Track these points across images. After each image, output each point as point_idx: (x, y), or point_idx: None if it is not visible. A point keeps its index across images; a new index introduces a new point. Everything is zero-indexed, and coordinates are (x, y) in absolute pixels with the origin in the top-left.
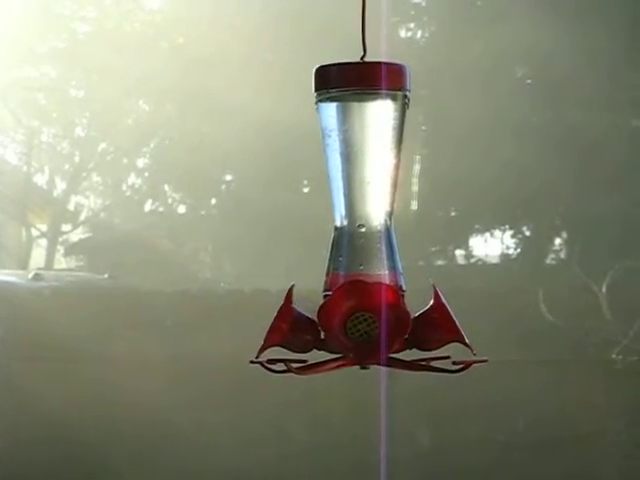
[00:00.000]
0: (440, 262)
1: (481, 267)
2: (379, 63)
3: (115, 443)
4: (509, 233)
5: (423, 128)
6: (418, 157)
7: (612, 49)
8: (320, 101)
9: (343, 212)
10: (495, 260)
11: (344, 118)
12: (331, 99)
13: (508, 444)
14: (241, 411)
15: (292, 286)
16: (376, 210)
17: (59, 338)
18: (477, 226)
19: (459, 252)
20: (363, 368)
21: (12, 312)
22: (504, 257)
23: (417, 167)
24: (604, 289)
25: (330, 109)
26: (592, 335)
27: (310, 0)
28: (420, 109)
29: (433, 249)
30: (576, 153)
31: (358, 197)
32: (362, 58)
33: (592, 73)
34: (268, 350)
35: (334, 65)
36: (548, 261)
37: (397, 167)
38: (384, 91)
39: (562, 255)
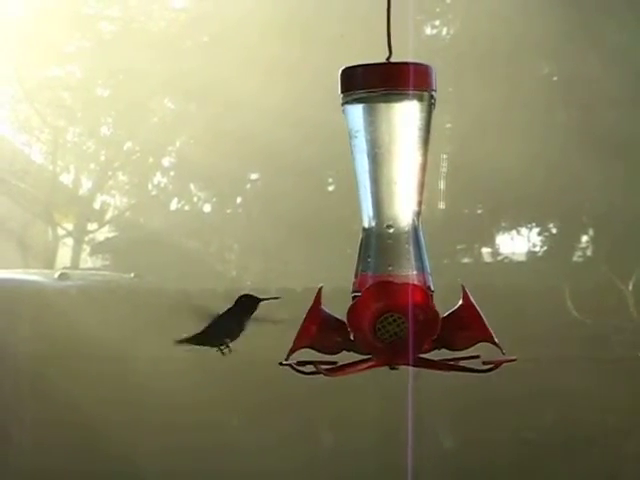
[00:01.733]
0: (466, 260)
1: (507, 265)
2: (405, 64)
3: (140, 442)
4: (535, 231)
5: (448, 126)
6: (445, 156)
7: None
8: (346, 102)
9: (371, 213)
10: (521, 258)
11: (370, 119)
12: (357, 100)
13: (536, 442)
14: (266, 411)
15: (320, 288)
16: (404, 210)
17: (85, 337)
18: (503, 224)
19: (485, 250)
20: (392, 368)
21: (38, 311)
22: (530, 255)
23: (444, 166)
24: (631, 287)
25: (356, 110)
26: (619, 333)
27: (339, 2)
28: (446, 107)
29: (459, 247)
30: (603, 150)
31: (386, 198)
32: (388, 59)
33: (620, 70)
34: (297, 352)
35: (360, 66)
36: (575, 259)
37: (424, 167)
38: (410, 92)
39: (589, 253)
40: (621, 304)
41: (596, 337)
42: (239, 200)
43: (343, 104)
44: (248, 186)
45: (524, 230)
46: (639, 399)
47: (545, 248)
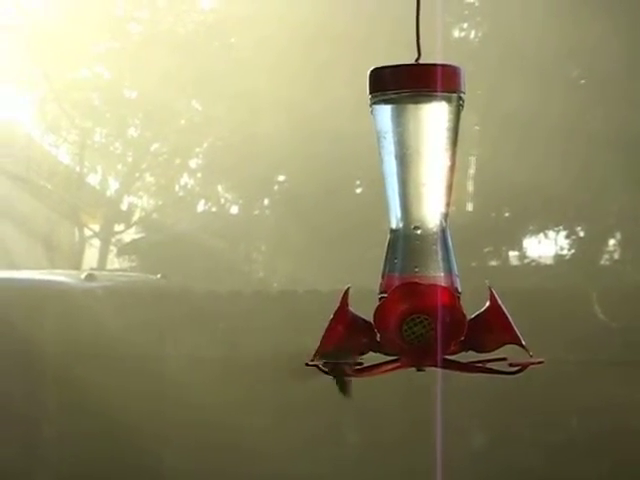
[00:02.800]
0: (493, 263)
1: (534, 268)
2: (434, 65)
3: (167, 442)
4: (563, 234)
5: (477, 128)
6: (473, 158)
7: None
8: (375, 103)
9: (399, 214)
10: (549, 261)
11: (399, 120)
12: (386, 101)
13: (562, 445)
14: (292, 412)
15: (348, 288)
16: (431, 212)
17: (112, 338)
18: (531, 227)
19: (512, 253)
20: (419, 370)
21: (65, 312)
22: (558, 258)
23: (472, 168)
24: None
25: (385, 111)
26: None
27: (364, 0)
28: (474, 109)
29: (486, 250)
30: (631, 153)
31: (413, 199)
32: (417, 60)
33: None
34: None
35: (389, 67)
36: (602, 262)
37: (452, 168)
38: (439, 93)
39: (616, 256)
40: None
41: (623, 341)
42: (266, 202)
43: (371, 105)
44: (275, 187)
45: (551, 233)
46: None
47: (572, 251)
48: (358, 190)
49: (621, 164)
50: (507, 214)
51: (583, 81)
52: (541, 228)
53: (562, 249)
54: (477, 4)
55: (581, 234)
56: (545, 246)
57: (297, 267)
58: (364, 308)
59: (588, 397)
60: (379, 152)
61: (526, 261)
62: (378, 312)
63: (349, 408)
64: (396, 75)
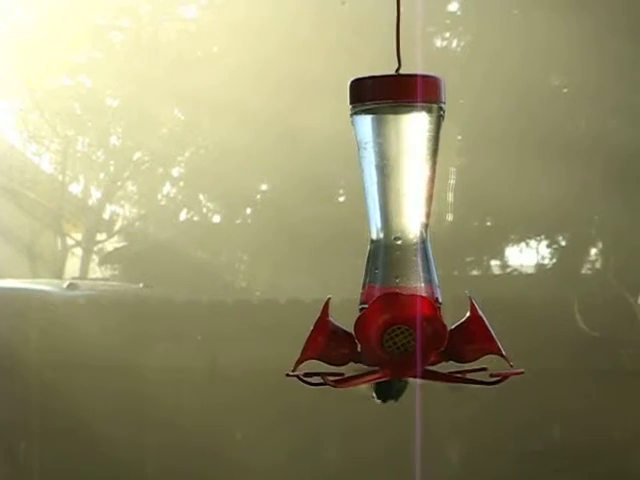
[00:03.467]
0: (475, 272)
1: (516, 277)
2: (414, 75)
3: (146, 453)
4: (544, 243)
5: (459, 138)
6: (453, 169)
7: None
8: (355, 114)
9: (379, 224)
10: (530, 270)
11: (379, 131)
12: (366, 112)
13: (545, 454)
14: (272, 424)
15: (328, 299)
16: (412, 222)
17: (94, 347)
18: (512, 236)
19: (494, 262)
20: (400, 381)
21: (47, 321)
22: (539, 267)
23: (453, 178)
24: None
25: (365, 122)
26: (627, 346)
27: (345, 10)
28: (456, 119)
29: (468, 259)
30: (612, 163)
31: (394, 209)
32: (397, 70)
33: (630, 82)
34: (304, 363)
35: (369, 78)
36: (584, 271)
37: (433, 179)
38: (419, 103)
39: (598, 265)
40: (630, 317)
41: (604, 350)
42: (249, 211)
43: (352, 115)
44: (258, 197)
45: (533, 242)
46: None
47: (554, 261)
48: (341, 199)
49: (602, 174)
50: (489, 223)
51: (565, 90)
52: (522, 237)
53: (543, 258)
54: (459, 13)
55: (562, 243)
56: (527, 255)
57: (279, 276)
58: (347, 318)
59: (569, 406)
60: (359, 162)
61: (508, 270)
62: (359, 323)
63: (330, 421)
64: (376, 86)
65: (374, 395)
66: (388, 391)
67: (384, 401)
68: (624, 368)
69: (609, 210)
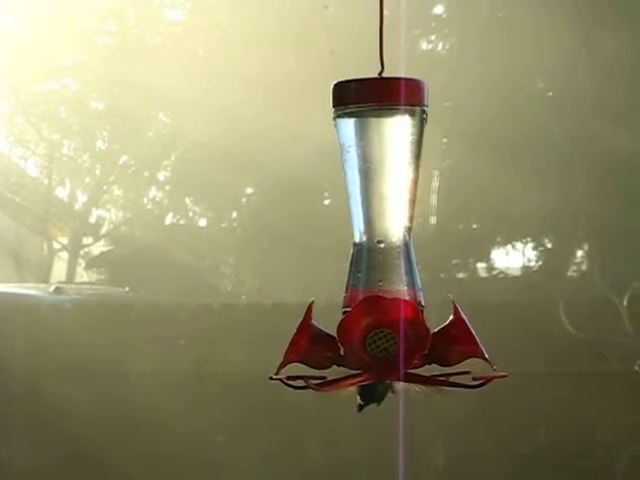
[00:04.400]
0: (461, 275)
1: (502, 279)
2: (397, 79)
3: (133, 457)
4: (530, 245)
5: (444, 140)
6: (437, 172)
7: (633, 62)
8: (338, 117)
9: (362, 228)
10: (516, 272)
11: (362, 134)
12: (349, 115)
13: (530, 457)
14: (259, 428)
15: (312, 302)
16: (395, 226)
17: (80, 351)
18: (498, 238)
19: (480, 265)
20: (382, 385)
21: (33, 325)
22: (525, 269)
23: (436, 181)
24: (626, 302)
25: (348, 125)
26: (613, 348)
27: (331, 14)
28: (442, 121)
29: (454, 262)
30: (598, 165)
31: (377, 213)
32: (380, 73)
33: (616, 84)
34: (288, 366)
35: (352, 81)
36: (570, 273)
37: (416, 182)
38: (402, 107)
39: (584, 267)
40: (616, 319)
41: (591, 352)
42: (235, 214)
43: (335, 118)
44: (244, 200)
45: (519, 245)
46: (634, 414)
47: (540, 263)
48: (327, 202)
49: (588, 176)
50: (475, 226)
51: (550, 93)
52: (509, 240)
53: (530, 261)
54: (445, 16)
55: (549, 245)
56: (513, 258)
57: (265, 280)
58: (331, 321)
59: (556, 408)
60: (342, 166)
61: (494, 273)
62: (342, 326)
63: (312, 424)
64: (359, 89)
65: (357, 399)
66: (371, 395)
67: (367, 405)
68: (610, 370)
69: (595, 212)
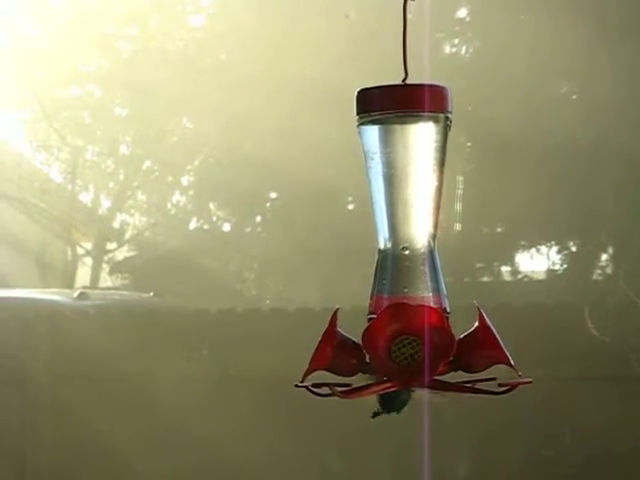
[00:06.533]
0: (486, 278)
1: (527, 283)
2: (421, 85)
3: (157, 462)
4: (555, 249)
5: (468, 144)
6: (461, 178)
7: None
8: (362, 124)
9: (387, 235)
10: (541, 276)
11: (386, 141)
12: (373, 122)
13: (555, 461)
14: (283, 434)
15: (337, 310)
16: (420, 232)
17: (104, 357)
18: (523, 242)
19: (505, 268)
20: (408, 391)
21: (57, 331)
22: (550, 273)
23: (460, 187)
24: None
25: (372, 132)
26: (638, 351)
27: (354, 20)
28: (465, 125)
29: (479, 265)
30: (622, 169)
31: (401, 219)
32: (404, 80)
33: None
34: (313, 373)
35: (376, 88)
36: (594, 277)
37: (440, 189)
38: (426, 113)
39: (608, 271)
40: None
41: (615, 356)
42: (258, 219)
43: (359, 126)
44: (267, 205)
45: (543, 248)
46: None
47: (565, 266)
48: (350, 207)
49: (613, 180)
50: (499, 229)
51: (574, 97)
52: (533, 243)
53: (554, 264)
54: (468, 19)
55: (573, 249)
56: (537, 261)
57: (289, 285)
58: (357, 326)
59: (581, 414)
60: (366, 173)
61: (518, 276)
62: (367, 333)
63: (337, 431)
64: (383, 96)
65: (378, 407)
66: (392, 403)
67: (387, 413)
68: (634, 374)
69: (620, 216)
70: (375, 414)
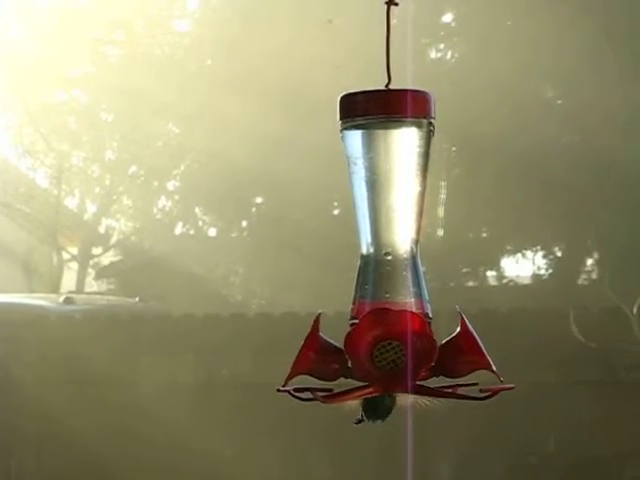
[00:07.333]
0: (471, 283)
1: (512, 288)
2: (404, 91)
3: (141, 467)
4: (540, 254)
5: (454, 149)
6: (444, 184)
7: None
8: (345, 129)
9: (369, 240)
10: (526, 281)
11: (369, 146)
12: (356, 127)
13: (540, 466)
14: (266, 439)
15: (319, 315)
16: (402, 238)
17: (90, 361)
18: (508, 247)
19: (490, 273)
20: (390, 396)
21: (43, 336)
22: (535, 278)
23: (443, 193)
24: (635, 310)
25: (355, 137)
26: (623, 356)
27: (338, 25)
28: (451, 130)
29: (464, 270)
30: (607, 174)
31: (384, 225)
32: (387, 85)
33: (624, 93)
34: (295, 378)
35: (359, 93)
36: (579, 282)
37: (423, 194)
38: (409, 119)
39: (594, 276)
40: (626, 327)
41: (600, 361)
42: (244, 224)
43: (342, 130)
44: (253, 210)
45: (529, 253)
46: None
47: (550, 271)
48: (336, 212)
49: (598, 185)
50: (485, 234)
51: (560, 102)
52: (519, 248)
53: (540, 269)
54: (453, 25)
55: (559, 254)
56: (523, 266)
57: (275, 290)
58: (342, 331)
59: (566, 417)
60: (349, 177)
61: (504, 281)
62: (349, 338)
63: (321, 436)
64: (366, 101)
65: (362, 415)
66: (374, 411)
67: (371, 421)
68: (619, 378)
69: (605, 221)
70: (359, 421)
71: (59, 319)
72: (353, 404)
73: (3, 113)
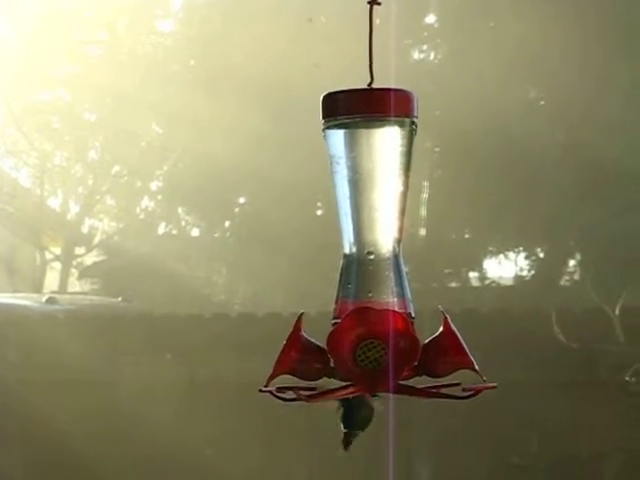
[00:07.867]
0: (454, 284)
1: (495, 289)
2: (386, 90)
3: (124, 467)
4: (523, 255)
5: (437, 149)
6: (426, 184)
7: (626, 70)
8: (328, 128)
9: (352, 239)
10: (509, 282)
11: (352, 145)
12: (338, 126)
13: (522, 466)
14: (248, 439)
15: (301, 314)
16: (385, 237)
17: (73, 361)
18: (491, 248)
19: (472, 274)
20: (373, 396)
21: (26, 336)
22: (518, 278)
23: (426, 192)
24: (617, 311)
25: (338, 136)
26: (605, 357)
27: (321, 24)
28: (433, 130)
29: (446, 271)
30: (590, 174)
31: (366, 224)
32: (369, 85)
33: (607, 94)
34: (278, 378)
35: (341, 92)
36: (562, 282)
37: (405, 193)
38: (392, 118)
39: (576, 277)
40: (607, 328)
41: (582, 361)
42: (227, 224)
43: (324, 130)
44: (236, 210)
45: (511, 254)
46: (624, 422)
47: (532, 272)
48: (319, 212)
49: (580, 185)
50: (467, 235)
51: (542, 102)
52: (501, 249)
53: (522, 270)
54: (436, 25)
55: (541, 255)
56: (505, 267)
57: (258, 290)
58: (325, 331)
59: (548, 417)
60: (332, 177)
61: (486, 282)
62: (331, 337)
63: (304, 437)
64: (348, 100)
65: (341, 425)
66: (352, 420)
67: (350, 431)
68: (601, 379)
69: (587, 222)
70: (347, 443)
71: (42, 319)
72: (335, 404)
73: None
